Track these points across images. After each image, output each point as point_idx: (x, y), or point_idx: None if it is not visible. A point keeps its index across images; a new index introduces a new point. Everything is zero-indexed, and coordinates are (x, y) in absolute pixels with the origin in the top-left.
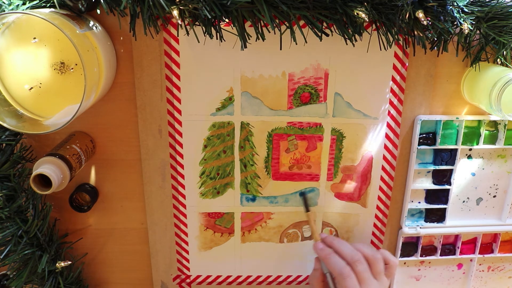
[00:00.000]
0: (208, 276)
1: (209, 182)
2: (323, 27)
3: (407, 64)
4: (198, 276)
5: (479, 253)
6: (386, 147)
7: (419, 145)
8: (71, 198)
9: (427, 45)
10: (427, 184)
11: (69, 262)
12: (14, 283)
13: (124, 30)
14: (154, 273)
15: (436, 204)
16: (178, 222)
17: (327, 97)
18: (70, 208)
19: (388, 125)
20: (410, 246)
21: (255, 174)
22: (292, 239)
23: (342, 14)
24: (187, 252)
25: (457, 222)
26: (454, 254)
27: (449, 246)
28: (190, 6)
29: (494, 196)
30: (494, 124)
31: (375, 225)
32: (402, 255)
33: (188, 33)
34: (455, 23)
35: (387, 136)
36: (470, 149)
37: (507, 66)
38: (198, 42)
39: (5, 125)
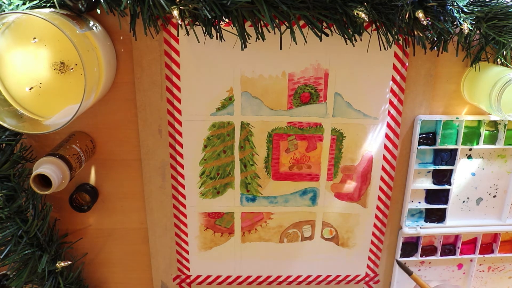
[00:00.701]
0: (208, 276)
1: (209, 182)
2: (323, 27)
3: (407, 64)
4: (198, 276)
5: (479, 253)
6: (386, 147)
7: (419, 145)
8: (71, 198)
9: (427, 45)
10: (427, 184)
11: (69, 262)
12: (14, 283)
13: (124, 30)
14: (154, 273)
15: (436, 204)
16: (178, 222)
17: (327, 97)
18: (70, 208)
19: (388, 125)
20: (410, 246)
21: (255, 174)
22: (292, 239)
23: (342, 14)
24: (187, 252)
25: (457, 222)
26: (454, 254)
27: (449, 246)
28: (190, 6)
29: (494, 196)
30: (494, 124)
31: (375, 225)
32: (402, 255)
33: (188, 33)
34: (455, 23)
35: (387, 136)
36: (470, 149)
37: (507, 66)
38: (198, 42)
39: (5, 125)
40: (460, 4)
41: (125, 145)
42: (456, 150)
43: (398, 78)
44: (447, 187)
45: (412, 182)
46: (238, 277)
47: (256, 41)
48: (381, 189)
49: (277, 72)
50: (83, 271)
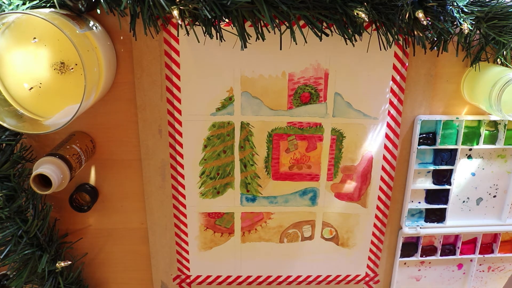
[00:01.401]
0: (208, 276)
1: (209, 182)
2: (323, 27)
3: (407, 64)
4: (198, 276)
5: (479, 253)
6: (386, 147)
7: (419, 145)
8: (71, 198)
9: (427, 45)
10: (427, 184)
11: (69, 262)
12: (14, 283)
13: (124, 30)
14: (154, 273)
15: (436, 204)
16: (178, 222)
17: (327, 97)
18: (70, 208)
19: (388, 125)
20: (410, 246)
21: (255, 174)
22: (292, 239)
23: (342, 14)
24: (187, 252)
25: (457, 222)
26: (454, 254)
27: (449, 246)
28: (190, 6)
29: (494, 196)
30: (494, 124)
31: (375, 225)
32: (402, 255)
33: (188, 33)
34: (455, 23)
35: (387, 136)
36: (470, 149)
37: (507, 66)
38: (198, 42)
39: (5, 125)
40: (460, 4)
41: (125, 145)
42: (456, 150)
43: (398, 78)
44: (447, 187)
45: (412, 182)
46: (238, 277)
47: (256, 41)
48: (381, 189)
49: (277, 72)
50: (83, 271)
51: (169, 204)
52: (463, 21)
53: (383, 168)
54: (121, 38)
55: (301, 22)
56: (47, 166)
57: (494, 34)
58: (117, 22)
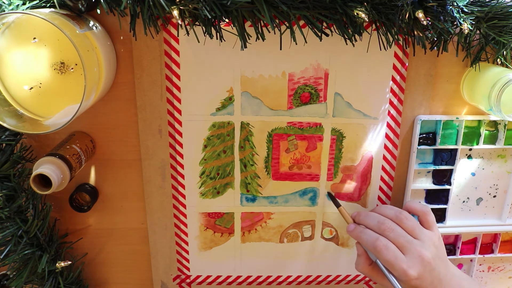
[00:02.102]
0: (208, 276)
1: (209, 182)
2: (323, 27)
3: (407, 64)
4: (198, 276)
5: (479, 253)
6: (386, 147)
7: (419, 145)
8: (71, 198)
9: (427, 45)
10: (427, 184)
11: (69, 262)
12: (14, 283)
13: (124, 30)
14: (154, 273)
15: (436, 204)
16: (178, 222)
17: (327, 97)
18: (70, 208)
19: (388, 125)
20: None
21: (255, 174)
22: (292, 239)
23: (342, 14)
24: (187, 252)
25: (457, 222)
26: (454, 254)
27: (449, 246)
28: (190, 6)
29: (494, 196)
30: (494, 124)
31: None
32: None
33: (188, 33)
34: (455, 23)
35: (387, 136)
36: (470, 149)
37: (507, 66)
38: (198, 42)
39: (5, 125)
40: (460, 4)
41: (125, 145)
42: (456, 150)
43: (398, 78)
44: (447, 187)
45: (412, 182)
46: (238, 277)
47: (256, 41)
48: (381, 189)
49: (277, 72)
50: (83, 271)
51: (169, 204)
52: (463, 21)
53: (383, 168)
54: (121, 38)
55: (301, 22)
56: (47, 166)
57: (494, 34)
58: (117, 22)
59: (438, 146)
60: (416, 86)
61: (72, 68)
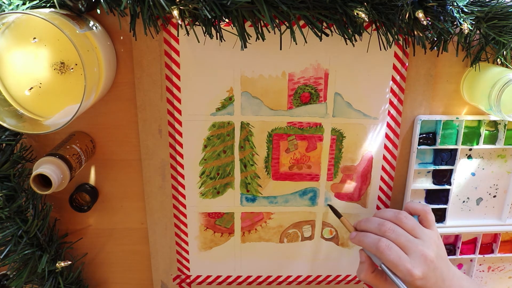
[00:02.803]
0: (208, 276)
1: (209, 182)
2: (323, 27)
3: (407, 64)
4: (198, 276)
5: (479, 253)
6: (386, 147)
7: (419, 145)
8: (71, 198)
9: (427, 45)
10: (427, 184)
11: (69, 262)
12: (14, 283)
13: (124, 30)
14: (154, 273)
15: (436, 204)
16: (178, 222)
17: (327, 97)
18: (70, 208)
19: (388, 125)
20: None
21: (255, 174)
22: (292, 239)
23: (342, 14)
24: (187, 252)
25: (457, 222)
26: (454, 254)
27: (449, 246)
28: (190, 6)
29: (494, 196)
30: (494, 124)
31: None
32: None
33: (188, 33)
34: (455, 23)
35: (387, 136)
36: (470, 149)
37: (507, 66)
38: (198, 42)
39: (5, 125)
40: (460, 4)
41: (125, 145)
42: (456, 150)
43: (398, 78)
44: (447, 187)
45: (412, 182)
46: (238, 277)
47: (256, 41)
48: (381, 189)
49: (277, 72)
50: (83, 271)
51: (169, 204)
52: (463, 21)
53: (383, 168)
54: (121, 38)
55: (301, 22)
56: (47, 166)
57: (494, 34)
58: (117, 22)
59: (438, 146)
60: (416, 86)
61: (72, 68)
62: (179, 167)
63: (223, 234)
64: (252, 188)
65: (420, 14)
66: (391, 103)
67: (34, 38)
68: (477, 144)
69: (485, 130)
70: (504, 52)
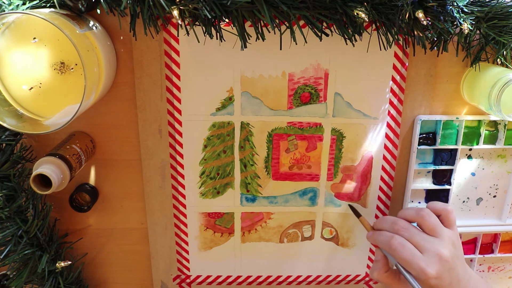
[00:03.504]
0: (208, 276)
1: (209, 182)
2: (323, 27)
3: (407, 64)
4: (198, 276)
5: (479, 253)
6: (386, 147)
7: (419, 145)
8: (71, 198)
9: (427, 45)
10: (427, 184)
11: (69, 262)
12: (14, 283)
13: (124, 30)
14: (154, 273)
15: None
16: (178, 222)
17: (327, 97)
18: (70, 208)
19: (388, 125)
20: None
21: (255, 174)
22: (292, 239)
23: (342, 14)
24: (187, 252)
25: (457, 222)
26: None
27: None
28: (190, 6)
29: (494, 196)
30: (494, 124)
31: None
32: None
33: (188, 33)
34: (455, 23)
35: (387, 136)
36: (470, 149)
37: (507, 66)
38: (198, 42)
39: (5, 125)
40: (460, 4)
41: (125, 145)
42: (456, 150)
43: (398, 78)
44: (447, 187)
45: (412, 182)
46: (238, 277)
47: (256, 41)
48: (381, 189)
49: (277, 72)
50: (83, 271)
51: (169, 204)
52: (463, 21)
53: (383, 168)
54: (121, 38)
55: (301, 22)
56: (47, 166)
57: (494, 34)
58: (117, 22)
59: (438, 146)
60: (416, 86)
61: (72, 68)
62: (179, 167)
63: (223, 234)
64: (252, 188)
65: (420, 14)
66: (391, 103)
67: (34, 38)
68: (477, 144)
69: (485, 130)
70: (504, 52)
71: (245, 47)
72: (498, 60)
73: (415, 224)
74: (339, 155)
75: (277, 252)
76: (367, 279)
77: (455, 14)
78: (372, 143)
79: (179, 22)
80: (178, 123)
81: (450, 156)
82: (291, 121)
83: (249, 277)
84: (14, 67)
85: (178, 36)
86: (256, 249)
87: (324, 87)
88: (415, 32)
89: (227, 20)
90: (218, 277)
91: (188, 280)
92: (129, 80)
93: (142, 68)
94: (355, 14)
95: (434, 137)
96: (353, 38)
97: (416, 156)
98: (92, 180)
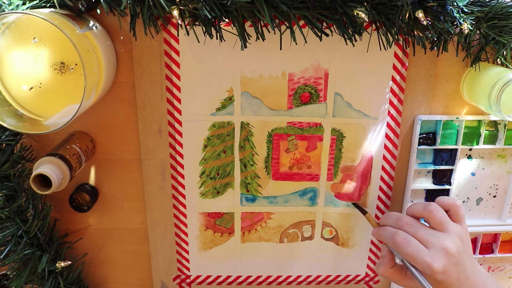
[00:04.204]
0: (208, 276)
1: (209, 182)
2: (323, 27)
3: (407, 64)
4: (198, 276)
5: (479, 253)
6: (386, 147)
7: (419, 145)
8: (71, 198)
9: (427, 45)
10: (427, 184)
11: (69, 262)
12: (14, 283)
13: (124, 30)
14: (154, 273)
15: None
16: (178, 222)
17: (327, 97)
18: (70, 208)
19: (388, 125)
20: None
21: (255, 174)
22: (292, 239)
23: (342, 14)
24: (187, 252)
25: None
26: None
27: None
28: (190, 6)
29: (494, 196)
30: (494, 124)
31: None
32: None
33: (188, 33)
34: (455, 23)
35: (387, 136)
36: (470, 149)
37: (507, 66)
38: (198, 42)
39: (5, 125)
40: (460, 4)
41: (125, 145)
42: (456, 150)
43: (398, 78)
44: (447, 187)
45: (412, 182)
46: (238, 277)
47: (256, 41)
48: (381, 189)
49: (277, 72)
50: (83, 271)
51: (169, 204)
52: (463, 21)
53: (383, 168)
54: (121, 38)
55: (301, 22)
56: (47, 166)
57: (494, 34)
58: (117, 22)
59: (438, 146)
60: (416, 86)
61: (72, 68)
62: (179, 167)
63: (223, 234)
64: (252, 188)
65: (420, 14)
66: (391, 103)
67: (34, 38)
68: (477, 144)
69: (485, 130)
70: (504, 52)
71: (245, 47)
72: (498, 60)
73: (423, 220)
74: (339, 155)
75: (277, 252)
76: (367, 279)
77: (455, 14)
78: (372, 143)
79: (179, 22)
80: (178, 123)
81: (450, 156)
82: (291, 121)
83: (249, 277)
84: (14, 67)
85: (178, 36)
86: (256, 249)
87: (324, 87)
88: (415, 32)
89: (227, 20)
90: (218, 277)
91: (188, 280)
92: (129, 80)
93: (142, 68)
94: (355, 14)
95: (434, 137)
96: (353, 38)
97: (416, 156)
98: (92, 180)
